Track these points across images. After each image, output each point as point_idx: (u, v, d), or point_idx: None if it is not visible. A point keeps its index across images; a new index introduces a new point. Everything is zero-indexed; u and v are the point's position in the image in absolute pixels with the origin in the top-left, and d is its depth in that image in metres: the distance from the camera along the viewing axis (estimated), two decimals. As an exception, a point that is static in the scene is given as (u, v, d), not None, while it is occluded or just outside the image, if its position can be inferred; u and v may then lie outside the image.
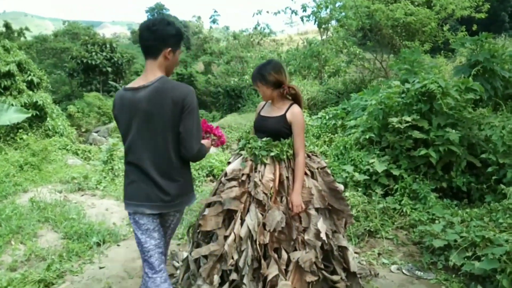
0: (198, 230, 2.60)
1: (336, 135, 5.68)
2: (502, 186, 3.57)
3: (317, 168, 2.67)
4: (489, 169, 3.79)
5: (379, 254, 3.43)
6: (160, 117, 1.94)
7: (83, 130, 18.10)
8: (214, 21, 34.57)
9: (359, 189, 4.25)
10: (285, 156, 2.62)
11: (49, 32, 34.55)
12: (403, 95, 4.36)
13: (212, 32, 33.78)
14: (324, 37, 20.49)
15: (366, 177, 4.28)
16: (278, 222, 2.43)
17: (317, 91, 14.56)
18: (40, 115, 9.81)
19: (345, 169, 4.41)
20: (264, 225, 2.46)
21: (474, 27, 14.65)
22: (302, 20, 16.70)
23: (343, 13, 15.56)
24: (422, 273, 3.12)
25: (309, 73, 18.30)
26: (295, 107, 2.67)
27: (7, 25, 27.35)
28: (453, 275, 3.02)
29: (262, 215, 2.49)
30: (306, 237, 2.48)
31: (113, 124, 16.54)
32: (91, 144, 14.15)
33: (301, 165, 2.54)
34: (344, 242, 2.59)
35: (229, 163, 2.78)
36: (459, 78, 4.92)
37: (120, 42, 37.86)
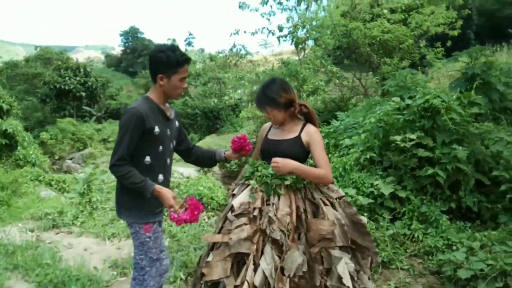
0: (201, 281, 2.21)
1: (329, 155, 5.39)
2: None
3: (337, 198, 2.35)
4: (503, 187, 3.57)
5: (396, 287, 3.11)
6: None
7: (56, 157, 17.33)
8: (189, 44, 34.53)
9: (364, 214, 3.95)
10: (301, 185, 2.29)
11: (20, 58, 33.62)
12: (404, 112, 4.12)
13: (187, 54, 33.62)
14: (301, 56, 20.57)
15: (370, 200, 3.98)
16: (299, 266, 2.07)
17: (297, 111, 14.30)
18: (10, 144, 9.18)
19: (347, 192, 4.10)
20: (282, 269, 2.09)
21: (449, 43, 14.98)
22: (279, 40, 16.63)
23: (320, 33, 15.65)
24: (448, 308, 2.80)
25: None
26: (310, 127, 2.38)
27: (-25, 51, 26.41)
28: (484, 310, 2.72)
29: (279, 257, 2.13)
30: (328, 283, 2.12)
31: (88, 150, 15.91)
32: (65, 172, 13.46)
33: (320, 172, 2.24)
34: (370, 285, 2.25)
35: (233, 195, 2.42)
36: (455, 93, 4.75)
37: (94, 66, 37.23)
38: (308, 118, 2.44)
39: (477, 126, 3.94)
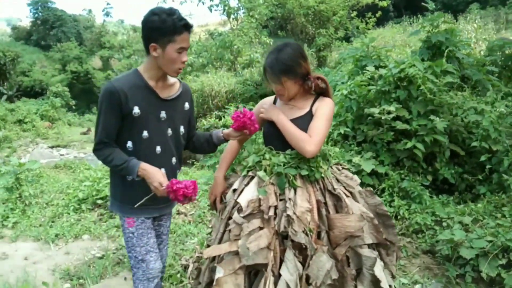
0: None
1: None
2: (505, 176, 3.27)
3: (356, 187, 2.00)
4: (483, 158, 3.49)
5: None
6: None
7: (-39, 144, 15.17)
8: (107, 14, 32.14)
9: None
10: (320, 174, 1.90)
11: None
12: (379, 83, 3.88)
13: (106, 26, 31.16)
14: (234, 27, 19.97)
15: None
16: (327, 272, 1.71)
17: (234, 83, 13.94)
18: None
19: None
20: (307, 278, 1.72)
21: (378, 14, 15.34)
22: (210, 9, 15.97)
23: (252, 2, 15.19)
24: (452, 290, 2.66)
25: (222, 65, 17.63)
26: (324, 98, 1.97)
27: None
28: (490, 289, 2.61)
29: (302, 263, 1.75)
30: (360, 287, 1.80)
31: (1, 133, 14.08)
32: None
33: (304, 137, 1.83)
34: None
35: (234, 190, 1.97)
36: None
37: (0, 39, 33.05)
38: (323, 94, 2.03)
39: (452, 96, 3.82)
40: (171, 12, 1.73)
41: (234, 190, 1.97)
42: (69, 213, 4.22)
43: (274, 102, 2.11)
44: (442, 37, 4.54)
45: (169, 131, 1.93)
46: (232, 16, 18.11)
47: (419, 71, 3.70)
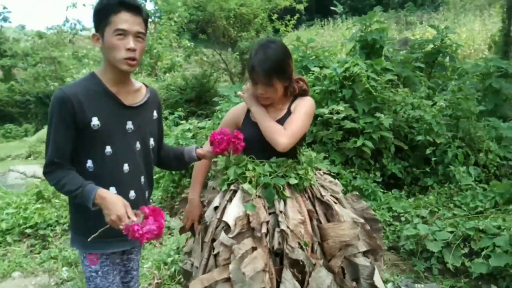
0: None
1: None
2: (451, 167, 3.42)
3: (341, 193, 1.89)
4: (428, 151, 3.64)
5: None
6: None
7: None
8: (5, 19, 29.29)
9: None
10: (308, 182, 1.76)
11: None
12: (325, 83, 3.87)
13: (4, 32, 28.26)
14: (152, 31, 19.26)
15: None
16: (327, 288, 1.57)
17: (157, 89, 13.39)
18: None
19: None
20: (307, 296, 1.57)
21: (296, 16, 15.77)
22: (126, 13, 15.22)
23: (170, 5, 14.79)
24: (422, 285, 2.68)
25: (141, 69, 16.90)
26: (303, 98, 1.83)
27: None
28: (457, 279, 2.68)
29: (300, 281, 1.59)
30: (358, 300, 1.69)
31: None
32: None
33: (278, 128, 1.69)
34: None
35: (215, 207, 1.74)
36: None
37: None
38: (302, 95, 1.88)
39: (394, 93, 3.94)
40: None
41: (215, 208, 1.75)
42: (-10, 249, 3.60)
43: (248, 110, 1.92)
44: (377, 36, 4.69)
45: (138, 144, 1.63)
46: (149, 19, 17.34)
47: (362, 69, 3.75)
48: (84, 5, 16.70)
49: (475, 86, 4.65)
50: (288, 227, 1.61)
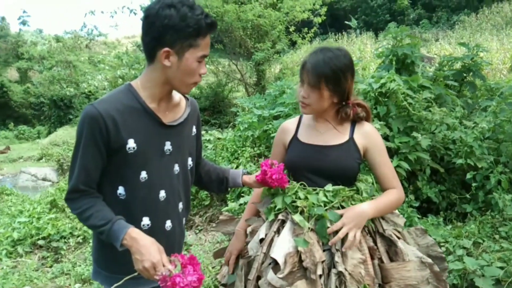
0: None
1: (256, 148, 4.71)
2: (495, 194, 3.17)
3: (404, 225, 1.68)
4: (468, 175, 3.40)
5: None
6: None
7: None
8: (24, 23, 29.77)
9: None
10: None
11: None
12: (360, 98, 3.66)
13: (23, 35, 28.62)
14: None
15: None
16: None
17: (173, 97, 13.29)
18: None
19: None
20: None
21: (314, 29, 15.66)
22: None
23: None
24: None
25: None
26: (365, 125, 1.64)
27: None
28: (510, 321, 2.43)
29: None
30: None
31: None
32: None
33: (394, 195, 1.58)
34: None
35: (261, 239, 1.54)
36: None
37: None
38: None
39: (432, 112, 3.72)
40: (193, 5, 1.27)
41: (261, 240, 1.54)
42: (0, 259, 3.41)
43: (298, 124, 1.73)
44: (408, 51, 4.49)
45: (176, 167, 1.45)
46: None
47: (399, 86, 3.54)
48: (102, 12, 16.74)
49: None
50: (346, 268, 1.40)
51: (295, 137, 1.70)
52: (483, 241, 2.93)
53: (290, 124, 1.75)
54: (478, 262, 2.61)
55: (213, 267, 2.98)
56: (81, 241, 3.67)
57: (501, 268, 2.54)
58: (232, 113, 11.97)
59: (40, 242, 3.60)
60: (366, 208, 1.49)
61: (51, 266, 3.33)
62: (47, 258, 3.48)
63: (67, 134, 17.49)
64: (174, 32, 1.26)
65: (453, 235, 3.06)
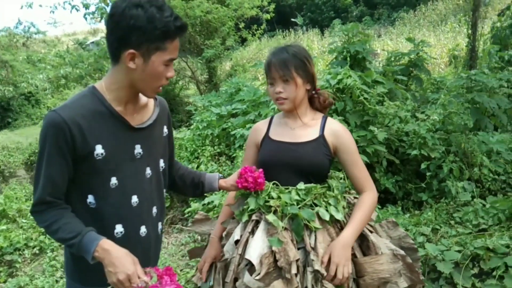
0: None
1: (216, 147, 4.64)
2: (448, 182, 3.34)
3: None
4: (423, 165, 3.55)
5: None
6: None
7: None
8: None
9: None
10: (341, 213, 1.56)
11: None
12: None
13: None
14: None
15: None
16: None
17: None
18: None
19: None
20: None
21: (263, 26, 15.75)
22: (85, 18, 14.57)
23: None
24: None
25: (102, 76, 16.19)
26: (334, 122, 1.66)
27: None
28: (468, 302, 2.56)
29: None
30: None
31: None
32: None
33: (367, 203, 1.59)
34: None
35: (236, 241, 1.50)
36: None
37: None
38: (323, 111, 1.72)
39: (387, 106, 3.85)
40: (162, 5, 1.20)
41: (236, 242, 1.51)
42: None
43: (270, 123, 1.72)
44: (360, 47, 4.62)
45: (148, 170, 1.39)
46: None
47: (355, 81, 3.63)
48: (40, 5, 15.75)
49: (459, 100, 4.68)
50: (321, 265, 1.40)
51: (266, 135, 1.68)
52: (440, 227, 3.07)
53: (261, 125, 1.73)
54: (438, 247, 2.74)
55: (181, 270, 2.91)
56: (37, 252, 3.44)
57: (459, 251, 2.68)
58: (185, 112, 11.76)
59: (-6, 257, 3.33)
60: (348, 237, 1.49)
61: (5, 282, 3.09)
62: None
63: (6, 139, 16.37)
64: (140, 34, 1.19)
65: (412, 223, 3.19)
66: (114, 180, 1.29)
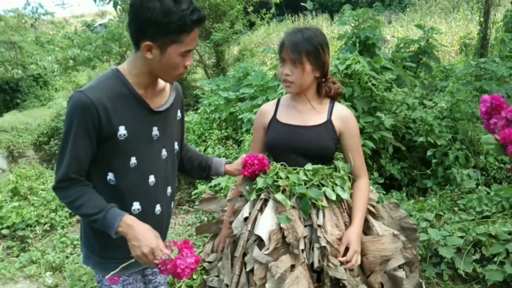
0: None
1: (223, 131, 4.68)
2: (454, 170, 3.36)
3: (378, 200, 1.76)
4: (429, 152, 3.57)
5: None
6: None
7: None
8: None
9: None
10: (347, 193, 1.60)
11: None
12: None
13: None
14: (121, 18, 18.55)
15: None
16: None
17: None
18: None
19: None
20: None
21: (272, 10, 15.61)
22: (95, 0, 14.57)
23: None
24: (434, 292, 2.61)
25: (110, 58, 16.21)
26: (342, 108, 1.69)
27: None
28: (468, 285, 2.62)
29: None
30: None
31: None
32: None
33: (366, 191, 1.64)
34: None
35: (245, 218, 1.55)
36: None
37: None
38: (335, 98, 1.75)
39: (395, 92, 3.85)
40: None
41: (245, 219, 1.56)
42: (-40, 252, 3.24)
43: (277, 105, 1.75)
44: (370, 33, 4.59)
45: (164, 152, 1.45)
46: (118, 6, 16.81)
47: (364, 67, 3.63)
48: (50, -13, 15.74)
49: (468, 88, 4.66)
50: (327, 242, 1.45)
51: (274, 118, 1.71)
52: (444, 213, 3.11)
53: (268, 106, 1.76)
54: (441, 233, 2.79)
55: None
56: (48, 228, 3.54)
57: (461, 237, 2.73)
58: (192, 96, 11.78)
59: (4, 232, 3.44)
60: (360, 227, 1.56)
61: (17, 256, 3.20)
62: (12, 248, 3.33)
63: (15, 120, 16.54)
64: (156, 27, 1.20)
65: (416, 209, 3.23)
66: (133, 160, 1.34)
